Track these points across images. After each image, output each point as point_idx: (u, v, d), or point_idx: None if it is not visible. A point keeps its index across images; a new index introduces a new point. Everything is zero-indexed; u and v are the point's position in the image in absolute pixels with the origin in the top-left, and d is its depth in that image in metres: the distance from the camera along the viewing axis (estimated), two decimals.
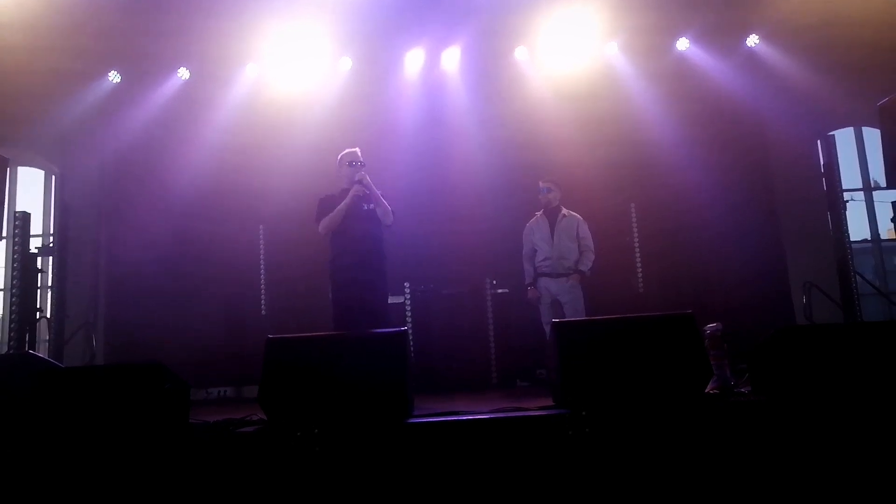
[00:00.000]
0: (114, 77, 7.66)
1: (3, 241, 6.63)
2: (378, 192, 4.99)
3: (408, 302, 6.94)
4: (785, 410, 3.20)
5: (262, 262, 7.58)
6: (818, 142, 6.59)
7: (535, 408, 3.58)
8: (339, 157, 5.20)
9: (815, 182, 6.69)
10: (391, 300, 6.83)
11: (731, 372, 4.08)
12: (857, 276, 6.18)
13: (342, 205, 4.93)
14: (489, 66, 7.74)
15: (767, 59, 7.57)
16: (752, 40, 7.62)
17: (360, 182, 4.92)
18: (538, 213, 6.17)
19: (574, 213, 6.11)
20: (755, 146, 7.51)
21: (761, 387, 3.61)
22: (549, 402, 3.72)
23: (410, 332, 6.44)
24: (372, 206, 4.97)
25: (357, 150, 5.17)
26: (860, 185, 8.36)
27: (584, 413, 3.21)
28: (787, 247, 7.38)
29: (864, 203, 8.38)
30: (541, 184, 6.14)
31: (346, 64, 7.73)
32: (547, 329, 5.44)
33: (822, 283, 6.54)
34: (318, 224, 5.02)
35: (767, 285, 7.11)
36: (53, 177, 8.24)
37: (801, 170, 7.45)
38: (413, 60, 7.73)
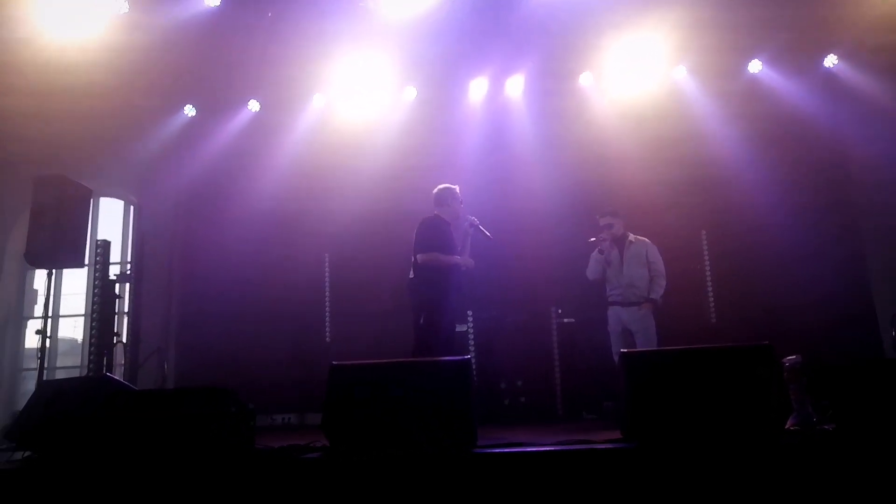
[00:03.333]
0: (189, 111, 8.00)
1: (85, 267, 6.94)
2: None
3: (471, 330, 6.88)
4: (872, 449, 2.99)
5: (327, 289, 7.68)
6: None
7: (603, 441, 3.47)
8: (449, 188, 5.49)
9: None
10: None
11: (813, 408, 3.86)
12: None
13: (459, 261, 5.27)
14: (553, 93, 7.70)
15: (847, 80, 7.26)
16: (831, 60, 7.35)
17: (476, 227, 5.42)
18: (607, 243, 6.02)
19: (642, 238, 5.97)
20: (836, 170, 7.20)
21: (847, 424, 3.39)
22: (617, 436, 3.59)
23: (473, 360, 6.37)
24: (460, 247, 5.40)
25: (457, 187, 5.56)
26: None
27: (654, 447, 3.08)
28: (872, 276, 6.99)
29: None
30: (600, 221, 5.98)
31: (411, 93, 7.85)
32: (616, 359, 5.28)
33: None
34: (422, 251, 5.16)
35: (851, 317, 6.74)
36: (132, 207, 8.62)
37: (888, 195, 7.07)
38: (477, 89, 7.79)
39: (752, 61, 7.44)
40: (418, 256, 5.17)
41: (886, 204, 7.05)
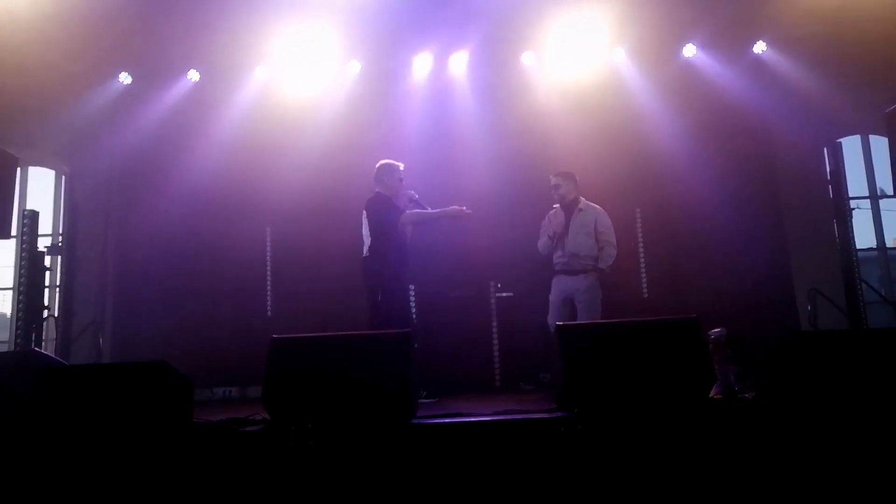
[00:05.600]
0: (124, 78, 7.71)
1: (13, 239, 6.67)
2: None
3: (413, 304, 6.94)
4: (789, 416, 3.20)
5: (268, 263, 7.58)
6: (825, 149, 6.59)
7: (538, 410, 3.59)
8: (388, 164, 5.63)
9: (822, 189, 6.69)
10: None
11: (735, 377, 4.09)
12: (863, 284, 6.17)
13: (436, 213, 5.54)
14: (496, 71, 7.73)
15: (774, 66, 7.53)
16: (760, 47, 7.59)
17: (416, 200, 5.54)
18: (556, 206, 5.94)
19: (593, 205, 5.83)
20: (762, 153, 7.48)
21: (765, 392, 3.61)
22: (552, 406, 3.72)
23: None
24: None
25: (402, 165, 5.67)
26: (867, 193, 8.32)
27: (586, 415, 3.22)
28: (792, 254, 7.34)
29: (870, 211, 8.34)
30: (551, 179, 5.91)
31: (355, 67, 7.76)
32: (552, 329, 5.33)
33: (827, 291, 6.53)
34: (390, 213, 5.42)
35: (772, 292, 7.07)
36: (63, 176, 8.29)
37: (808, 177, 7.43)
38: (421, 64, 7.74)
39: (687, 45, 7.62)
40: (404, 217, 5.38)
41: (807, 189, 7.41)
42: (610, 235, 5.75)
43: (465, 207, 5.46)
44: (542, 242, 5.85)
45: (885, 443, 3.04)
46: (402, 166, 5.67)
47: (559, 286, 5.73)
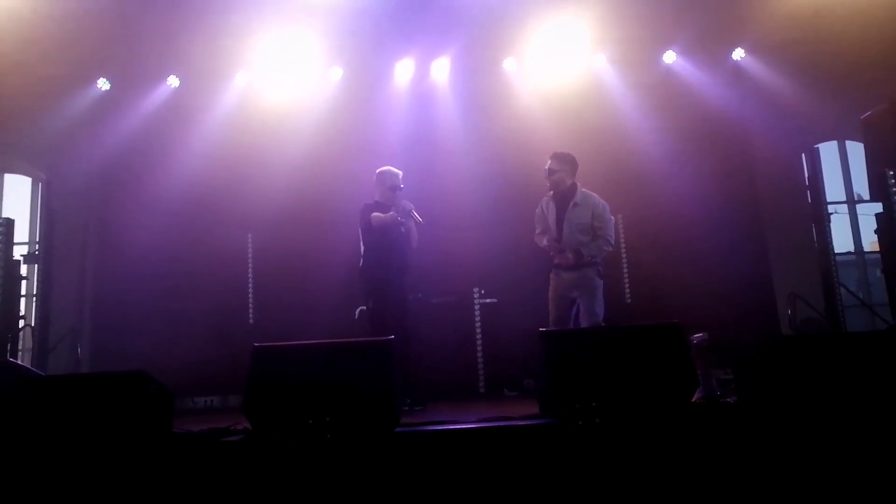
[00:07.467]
0: (103, 84, 7.63)
1: None
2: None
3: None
4: (770, 419, 3.22)
5: (250, 270, 7.53)
6: (803, 155, 6.67)
7: (521, 417, 3.58)
8: (380, 172, 5.58)
9: (801, 195, 6.77)
10: None
11: (717, 382, 4.11)
12: (842, 288, 6.23)
13: (390, 217, 5.34)
14: (478, 77, 7.77)
15: (753, 73, 7.65)
16: (738, 54, 7.69)
17: (408, 211, 5.38)
18: (549, 194, 5.28)
19: (591, 196, 5.13)
20: (741, 159, 7.57)
21: (747, 396, 3.63)
22: (536, 412, 3.72)
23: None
24: (404, 229, 5.45)
25: (400, 173, 5.58)
26: (844, 198, 8.43)
27: (570, 423, 3.22)
28: (772, 258, 7.42)
29: (847, 216, 8.45)
30: (547, 161, 5.24)
31: (337, 73, 7.75)
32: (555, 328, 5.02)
33: (806, 295, 6.60)
34: (367, 220, 5.37)
35: (753, 297, 7.14)
36: (40, 184, 8.18)
37: (787, 182, 7.51)
38: (403, 70, 7.76)
39: (667, 51, 7.69)
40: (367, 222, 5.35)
41: (786, 194, 7.49)
42: (606, 230, 5.12)
43: (411, 209, 5.39)
44: (539, 239, 5.30)
45: (862, 443, 3.07)
46: (399, 174, 5.58)
47: (557, 282, 5.15)
